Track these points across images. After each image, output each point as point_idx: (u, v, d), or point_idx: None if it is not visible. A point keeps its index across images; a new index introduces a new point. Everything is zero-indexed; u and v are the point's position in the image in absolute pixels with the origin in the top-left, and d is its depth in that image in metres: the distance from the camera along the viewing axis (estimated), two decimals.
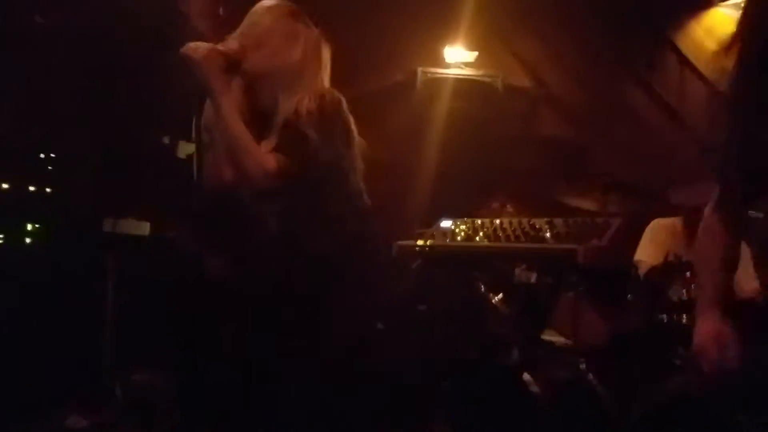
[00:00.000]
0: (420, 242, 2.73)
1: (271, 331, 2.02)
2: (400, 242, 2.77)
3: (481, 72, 4.81)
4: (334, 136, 1.93)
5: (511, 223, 2.60)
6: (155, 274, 3.42)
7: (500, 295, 3.53)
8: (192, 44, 1.88)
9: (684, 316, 2.64)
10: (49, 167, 3.84)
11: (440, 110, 4.70)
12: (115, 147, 3.99)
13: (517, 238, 2.50)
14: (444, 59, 4.86)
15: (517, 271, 3.55)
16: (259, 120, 1.97)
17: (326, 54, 2.04)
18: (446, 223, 2.80)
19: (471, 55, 4.82)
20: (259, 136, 1.94)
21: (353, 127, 2.03)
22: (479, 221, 2.72)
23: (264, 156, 1.87)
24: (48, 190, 3.77)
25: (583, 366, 3.29)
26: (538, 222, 2.50)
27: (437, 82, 4.75)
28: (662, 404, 2.72)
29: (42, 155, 3.86)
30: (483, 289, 3.50)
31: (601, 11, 4.99)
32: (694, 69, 5.16)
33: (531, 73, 5.16)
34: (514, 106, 4.95)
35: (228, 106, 1.86)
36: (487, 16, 4.76)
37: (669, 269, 3.18)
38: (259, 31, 1.96)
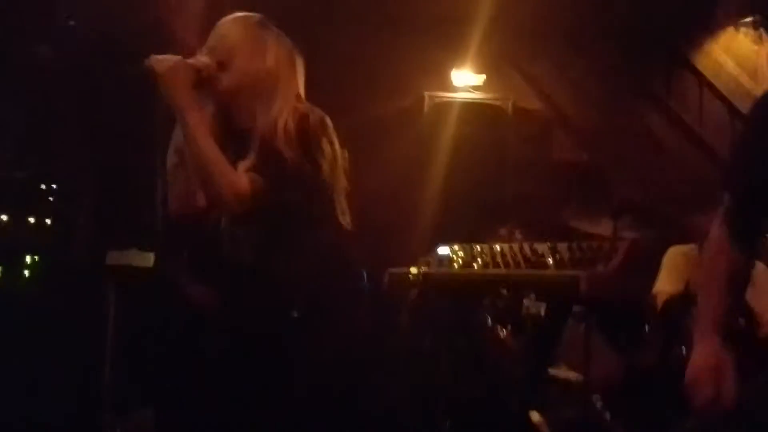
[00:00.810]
0: (413, 270, 2.56)
1: (250, 363, 1.89)
2: (392, 270, 2.61)
3: (490, 95, 4.72)
4: (313, 156, 1.82)
5: (511, 248, 2.43)
6: (157, 306, 3.33)
7: (508, 328, 3.35)
8: (158, 56, 1.77)
9: None
10: (50, 198, 3.81)
11: (448, 134, 4.61)
12: (118, 176, 3.94)
13: (516, 264, 2.33)
14: (452, 83, 4.78)
15: (526, 301, 3.37)
16: (236, 139, 1.86)
17: (300, 64, 1.93)
18: (443, 250, 2.64)
19: (479, 79, 4.74)
20: (236, 156, 1.83)
21: (335, 146, 1.90)
22: (478, 247, 2.56)
23: (237, 177, 1.76)
24: (48, 221, 3.73)
25: (598, 404, 3.09)
26: (540, 247, 2.33)
27: (445, 106, 4.68)
28: None
29: (43, 186, 3.82)
30: (489, 322, 3.32)
31: (615, 33, 4.90)
32: (714, 89, 5.04)
33: (542, 95, 5.05)
34: (525, 128, 4.84)
35: (197, 123, 1.75)
36: (495, 39, 4.69)
37: (688, 299, 2.97)
38: (228, 45, 1.85)
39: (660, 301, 3.11)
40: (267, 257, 1.85)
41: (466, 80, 4.75)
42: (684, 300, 3.01)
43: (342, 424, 1.89)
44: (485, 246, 2.53)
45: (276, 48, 1.86)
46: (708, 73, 5.07)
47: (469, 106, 4.65)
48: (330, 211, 1.90)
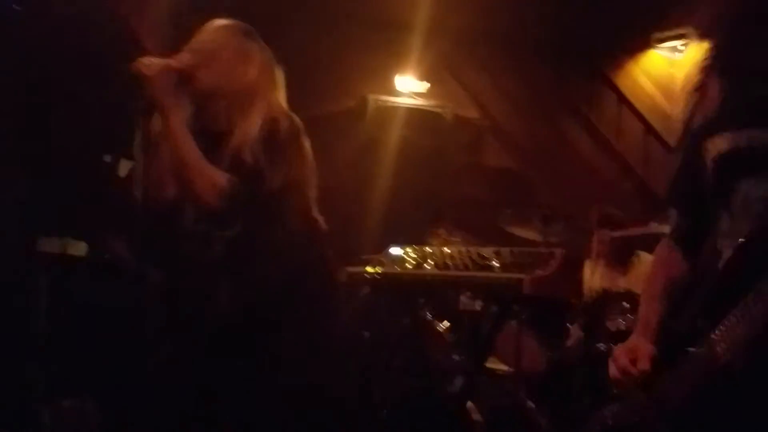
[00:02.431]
0: (369, 269, 2.75)
1: (212, 356, 1.97)
2: (349, 269, 2.78)
3: (431, 102, 4.89)
4: (286, 163, 1.89)
5: (459, 251, 2.65)
6: (90, 295, 3.32)
7: (446, 323, 3.56)
8: (144, 60, 1.83)
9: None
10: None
11: (390, 138, 4.74)
12: (53, 165, 3.88)
13: (465, 266, 2.55)
14: (395, 88, 4.93)
15: (463, 298, 3.61)
16: (209, 141, 1.90)
17: (279, 75, 2.02)
18: (395, 250, 2.83)
19: (421, 85, 4.91)
20: (208, 157, 1.87)
21: (309, 154, 2.01)
22: (428, 249, 2.76)
23: (216, 174, 1.83)
24: None
25: (523, 393, 3.35)
26: (486, 251, 2.56)
27: (387, 110, 4.80)
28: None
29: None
30: (429, 317, 3.53)
31: (545, 47, 5.17)
32: (631, 107, 5.40)
33: (479, 105, 5.28)
34: (462, 136, 5.05)
35: (178, 123, 1.82)
36: (437, 47, 4.86)
37: (605, 299, 3.29)
38: (211, 48, 1.92)
39: (583, 302, 3.45)
40: (237, 254, 1.90)
41: (409, 86, 4.91)
42: (603, 300, 3.35)
43: (281, 413, 2.00)
44: (435, 248, 2.74)
45: (258, 59, 1.93)
46: (626, 91, 5.42)
47: (411, 112, 4.79)
48: (302, 213, 2.01)
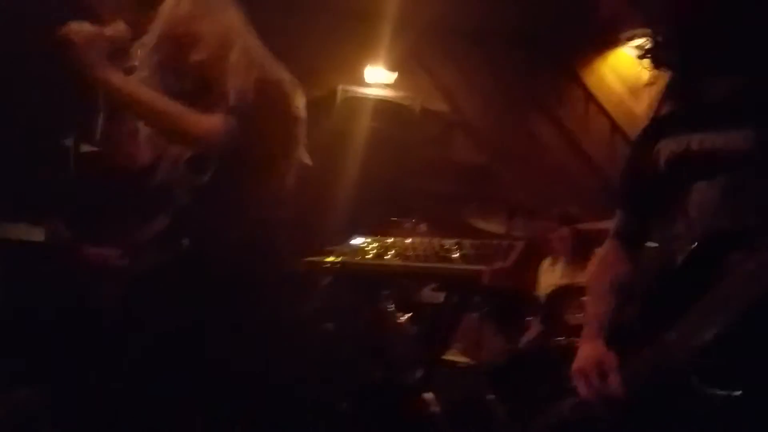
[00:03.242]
0: (330, 259, 2.73)
1: (166, 339, 1.93)
2: (308, 258, 2.76)
3: (400, 94, 4.88)
4: (267, 116, 1.84)
5: (422, 242, 2.64)
6: (44, 281, 3.25)
7: (407, 315, 3.56)
8: (74, 25, 1.73)
9: (579, 339, 2.76)
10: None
11: (358, 129, 4.73)
12: (10, 146, 3.78)
13: (426, 257, 2.54)
14: (364, 79, 4.91)
15: (426, 290, 3.61)
16: (202, 98, 1.83)
17: (251, 29, 2.00)
18: (357, 241, 2.82)
19: (391, 77, 4.90)
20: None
21: (297, 127, 1.97)
22: (390, 240, 2.75)
23: (203, 116, 1.76)
24: None
25: (482, 385, 3.37)
26: (447, 243, 2.56)
27: (357, 101, 4.78)
28: (556, 425, 2.83)
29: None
30: (391, 308, 3.52)
31: (515, 44, 5.19)
32: (598, 104, 5.45)
33: (447, 97, 5.29)
34: (430, 129, 5.05)
35: (124, 82, 1.73)
36: (407, 39, 4.85)
37: (565, 293, 3.33)
38: (181, 17, 1.87)
39: (544, 294, 3.47)
40: (203, 202, 1.85)
41: (378, 77, 4.90)
42: (562, 294, 3.39)
43: (242, 401, 1.98)
44: (398, 239, 2.73)
45: (224, 9, 1.92)
46: (594, 88, 5.48)
47: (380, 104, 4.78)
48: (280, 193, 1.97)
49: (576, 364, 1.47)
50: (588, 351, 1.46)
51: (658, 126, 1.48)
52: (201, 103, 1.83)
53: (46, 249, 3.20)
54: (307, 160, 2.04)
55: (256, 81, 1.84)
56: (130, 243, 2.61)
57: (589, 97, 5.49)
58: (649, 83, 1.53)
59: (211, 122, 1.75)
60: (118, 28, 1.81)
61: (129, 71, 1.83)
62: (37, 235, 3.26)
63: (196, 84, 1.86)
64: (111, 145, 1.91)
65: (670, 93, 1.48)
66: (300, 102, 1.98)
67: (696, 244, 1.32)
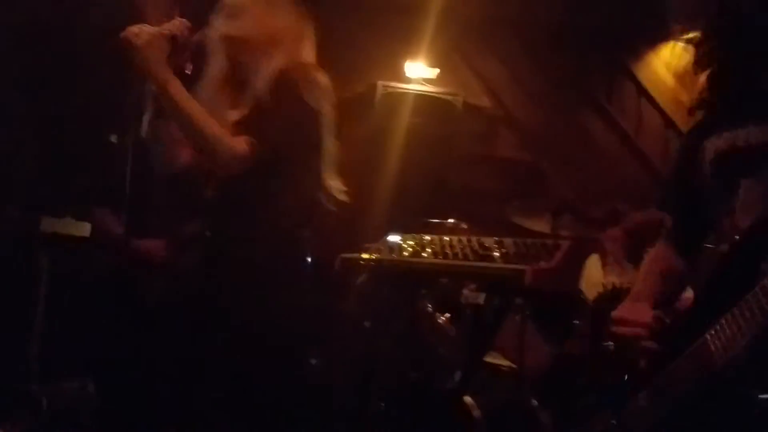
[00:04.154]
0: (365, 256, 2.65)
1: (195, 332, 1.93)
2: (344, 255, 2.69)
3: (441, 89, 4.80)
4: (291, 112, 1.87)
5: (460, 240, 2.55)
6: (91, 277, 3.28)
7: (447, 315, 3.47)
8: (134, 28, 1.79)
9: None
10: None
11: (398, 125, 4.67)
12: (59, 144, 3.84)
13: (465, 256, 2.45)
14: (405, 74, 4.84)
15: (465, 291, 3.51)
16: (233, 89, 1.92)
17: (309, 29, 2.04)
18: (394, 238, 2.74)
19: (432, 72, 4.82)
20: (231, 105, 1.89)
21: (317, 106, 1.95)
22: (427, 237, 2.66)
23: (234, 140, 1.81)
24: None
25: (526, 390, 3.26)
26: (487, 241, 2.46)
27: (397, 96, 4.73)
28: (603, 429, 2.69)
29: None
30: (430, 308, 3.44)
31: (562, 36, 5.06)
32: (651, 99, 5.27)
33: (490, 93, 5.18)
34: (472, 125, 4.95)
35: (179, 92, 1.78)
36: (448, 33, 4.76)
37: (615, 297, 3.17)
38: (241, 2, 1.94)
39: (591, 297, 3.32)
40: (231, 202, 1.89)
41: (419, 72, 4.82)
42: (612, 297, 3.22)
43: (279, 400, 1.96)
44: (435, 237, 2.64)
45: (285, 12, 1.97)
46: (647, 83, 5.30)
47: (421, 99, 4.71)
48: (302, 186, 1.93)
49: (617, 313, 1.53)
50: (631, 305, 1.52)
51: (704, 126, 1.46)
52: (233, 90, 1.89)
53: (93, 243, 3.24)
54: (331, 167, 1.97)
55: (280, 72, 1.88)
56: (172, 239, 2.63)
57: (642, 91, 5.31)
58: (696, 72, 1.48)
59: (240, 148, 1.79)
60: (176, 25, 1.86)
61: (183, 65, 1.90)
62: (85, 230, 3.29)
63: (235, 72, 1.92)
64: (156, 143, 1.96)
65: (714, 90, 1.44)
66: (324, 96, 1.94)
67: (737, 238, 1.29)
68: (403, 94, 4.70)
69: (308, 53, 2.02)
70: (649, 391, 1.39)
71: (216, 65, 1.90)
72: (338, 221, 2.16)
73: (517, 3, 4.69)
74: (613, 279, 3.60)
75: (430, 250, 2.53)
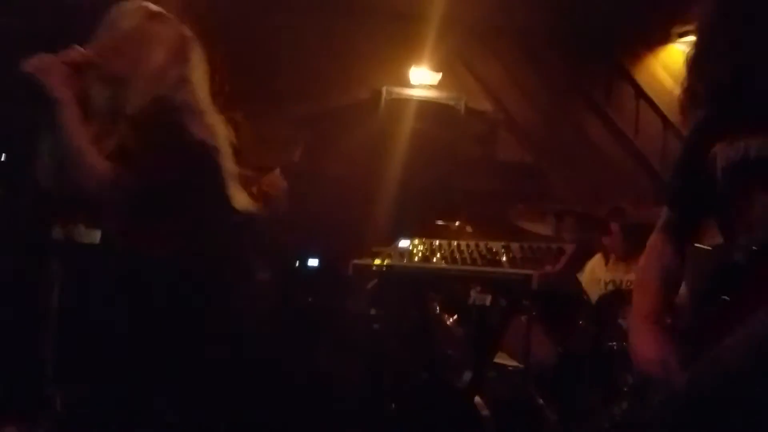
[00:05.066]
0: (377, 261, 2.73)
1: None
2: (356, 261, 2.77)
3: (444, 94, 4.87)
4: (175, 140, 1.85)
5: (468, 245, 2.62)
6: (102, 282, 3.34)
7: (454, 317, 3.54)
8: (35, 58, 1.83)
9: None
10: None
11: (403, 130, 4.75)
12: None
13: (473, 260, 2.52)
14: (409, 80, 4.91)
15: (473, 293, 3.58)
16: (107, 118, 1.89)
17: (197, 55, 1.98)
18: (403, 243, 2.81)
19: (435, 77, 4.88)
20: (104, 133, 1.87)
21: (205, 131, 1.90)
22: (437, 242, 2.73)
23: (99, 163, 1.80)
24: None
25: (532, 389, 3.32)
26: (495, 246, 2.53)
27: (401, 102, 4.80)
28: (607, 429, 2.77)
29: None
30: (437, 310, 3.51)
31: (561, 41, 5.12)
32: (649, 101, 5.33)
33: (492, 97, 5.24)
34: (475, 129, 5.02)
35: (71, 117, 1.81)
36: (451, 39, 4.83)
37: (618, 297, 3.25)
38: (116, 34, 1.91)
39: (593, 295, 3.40)
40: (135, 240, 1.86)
41: (422, 78, 4.89)
42: (615, 297, 3.31)
43: (290, 402, 1.97)
44: (444, 242, 2.71)
45: (166, 39, 1.91)
46: (645, 85, 5.36)
47: (424, 104, 4.79)
48: (209, 197, 1.91)
49: (639, 364, 1.44)
50: (642, 345, 1.44)
51: (712, 126, 1.45)
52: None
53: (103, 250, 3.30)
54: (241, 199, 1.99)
55: (154, 99, 1.87)
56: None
57: (640, 93, 5.38)
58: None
59: (102, 172, 1.80)
60: (77, 50, 1.88)
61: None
62: (94, 237, 3.36)
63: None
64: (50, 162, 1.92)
65: (720, 92, 1.44)
66: (208, 123, 1.92)
67: (754, 249, 1.30)
68: (407, 100, 4.77)
69: (198, 81, 1.96)
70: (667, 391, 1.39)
71: (95, 98, 1.88)
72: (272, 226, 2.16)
73: (518, 9, 4.74)
74: (615, 277, 3.68)
75: (439, 255, 2.61)
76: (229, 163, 1.94)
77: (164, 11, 1.97)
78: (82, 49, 1.88)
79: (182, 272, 1.87)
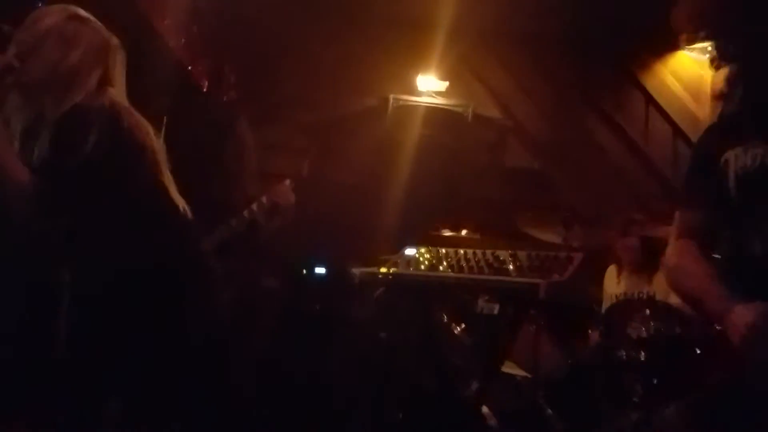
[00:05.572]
0: (383, 270, 2.71)
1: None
2: (362, 269, 2.75)
3: (451, 101, 4.86)
4: (104, 152, 1.79)
5: (475, 254, 2.60)
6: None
7: (462, 326, 3.51)
8: None
9: (642, 353, 2.66)
10: None
11: (410, 137, 4.73)
12: None
13: (480, 269, 2.49)
14: (416, 87, 4.90)
15: (480, 302, 3.56)
16: (33, 125, 1.85)
17: (115, 57, 1.95)
18: (410, 251, 2.79)
19: (442, 85, 4.87)
20: (31, 140, 1.83)
21: (138, 136, 1.86)
22: (443, 251, 2.71)
23: (18, 171, 1.76)
24: None
25: (540, 399, 3.29)
26: (502, 254, 2.51)
27: (408, 109, 4.79)
28: None
29: None
30: (445, 319, 3.48)
31: (570, 48, 5.09)
32: (659, 108, 5.29)
33: (499, 104, 5.22)
34: (483, 136, 5.00)
35: None
36: (458, 46, 4.82)
37: (626, 307, 3.21)
38: (34, 36, 1.87)
39: (604, 307, 3.36)
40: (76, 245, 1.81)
41: (430, 85, 4.88)
42: (625, 306, 3.27)
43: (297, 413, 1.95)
44: (451, 250, 2.69)
45: (84, 42, 1.88)
46: (654, 92, 5.32)
47: (431, 111, 4.77)
48: (145, 198, 1.87)
49: (745, 326, 1.35)
50: (744, 312, 1.36)
51: (725, 129, 1.44)
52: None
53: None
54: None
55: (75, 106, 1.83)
56: None
57: (650, 100, 5.34)
58: (717, 96, 1.47)
59: (18, 179, 1.75)
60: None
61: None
62: None
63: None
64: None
65: (735, 96, 1.43)
66: (132, 124, 1.88)
67: None
68: (415, 107, 4.76)
69: (116, 82, 1.93)
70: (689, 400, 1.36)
71: (12, 104, 1.85)
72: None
73: (525, 15, 4.73)
74: (627, 290, 3.64)
75: (446, 264, 2.58)
76: (162, 159, 1.89)
77: (88, 15, 1.92)
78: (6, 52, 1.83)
79: (122, 277, 1.81)
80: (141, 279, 1.83)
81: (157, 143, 1.92)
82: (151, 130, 1.91)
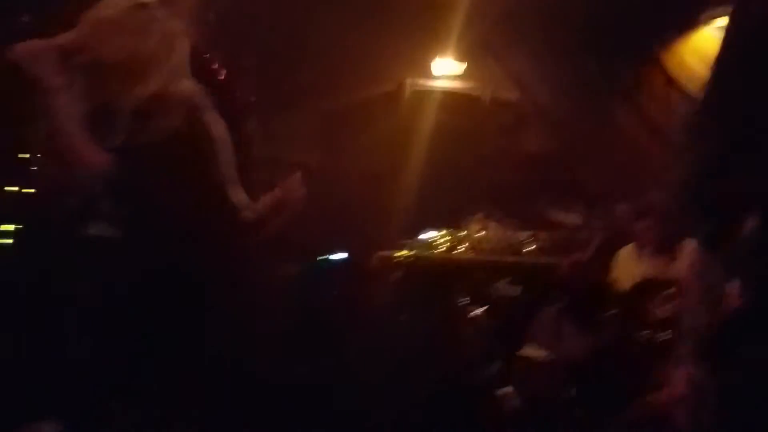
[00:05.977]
0: (402, 253, 2.71)
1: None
2: (381, 253, 2.76)
3: (468, 84, 4.82)
4: (178, 142, 1.82)
5: (495, 235, 2.59)
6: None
7: (483, 308, 3.52)
8: (23, 44, 1.81)
9: (665, 333, 2.64)
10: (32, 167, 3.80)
11: (427, 122, 4.71)
12: None
13: (500, 250, 2.49)
14: (432, 71, 4.87)
15: (500, 283, 3.55)
16: (105, 114, 1.85)
17: (182, 47, 1.93)
18: (429, 234, 2.79)
19: (460, 67, 4.84)
20: (104, 129, 1.83)
21: (206, 122, 1.88)
22: (463, 233, 2.71)
23: (95, 153, 1.77)
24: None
25: (561, 380, 3.29)
26: (522, 235, 2.50)
27: (425, 94, 4.76)
28: (640, 420, 2.72)
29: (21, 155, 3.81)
30: (465, 301, 3.49)
31: (589, 27, 5.02)
32: (680, 88, 5.20)
33: (518, 86, 5.17)
34: (501, 119, 4.96)
35: (62, 104, 1.78)
36: (476, 28, 4.77)
37: (651, 286, 3.19)
38: (108, 21, 1.87)
39: (626, 288, 3.34)
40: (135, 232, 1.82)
41: (447, 68, 4.84)
42: (647, 286, 3.25)
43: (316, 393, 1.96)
44: (470, 232, 2.69)
45: (156, 30, 1.87)
46: (676, 72, 5.23)
47: (448, 95, 4.75)
48: (205, 194, 1.88)
49: (674, 391, 1.36)
50: (681, 386, 1.35)
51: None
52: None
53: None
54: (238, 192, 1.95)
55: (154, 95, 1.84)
56: None
57: (671, 80, 5.25)
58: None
59: (97, 161, 1.77)
60: (66, 38, 1.85)
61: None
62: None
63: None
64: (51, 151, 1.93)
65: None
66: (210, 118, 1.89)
67: None
68: (431, 91, 4.73)
69: (183, 72, 1.91)
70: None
71: (78, 86, 1.83)
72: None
73: None
74: (646, 272, 3.61)
75: (465, 245, 2.58)
76: (230, 157, 1.92)
77: (153, 1, 1.91)
78: (69, 34, 1.84)
79: (183, 273, 1.84)
80: (195, 267, 1.86)
81: (229, 140, 1.94)
82: (225, 126, 1.93)
